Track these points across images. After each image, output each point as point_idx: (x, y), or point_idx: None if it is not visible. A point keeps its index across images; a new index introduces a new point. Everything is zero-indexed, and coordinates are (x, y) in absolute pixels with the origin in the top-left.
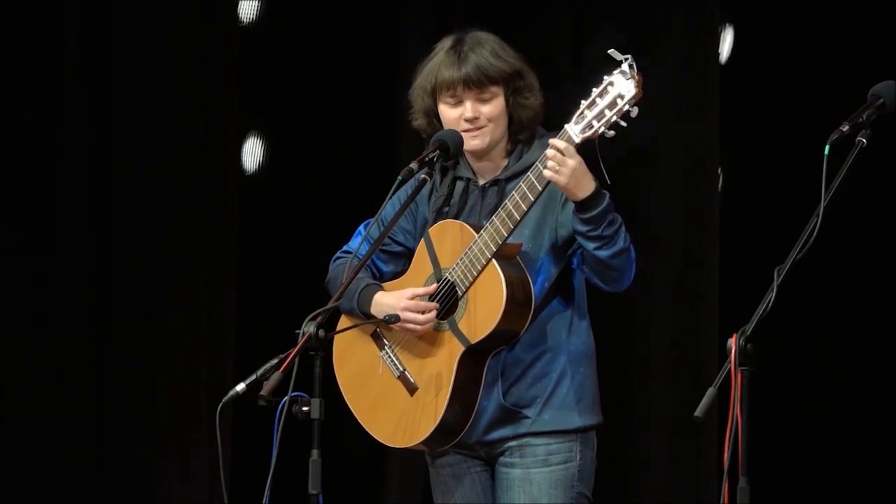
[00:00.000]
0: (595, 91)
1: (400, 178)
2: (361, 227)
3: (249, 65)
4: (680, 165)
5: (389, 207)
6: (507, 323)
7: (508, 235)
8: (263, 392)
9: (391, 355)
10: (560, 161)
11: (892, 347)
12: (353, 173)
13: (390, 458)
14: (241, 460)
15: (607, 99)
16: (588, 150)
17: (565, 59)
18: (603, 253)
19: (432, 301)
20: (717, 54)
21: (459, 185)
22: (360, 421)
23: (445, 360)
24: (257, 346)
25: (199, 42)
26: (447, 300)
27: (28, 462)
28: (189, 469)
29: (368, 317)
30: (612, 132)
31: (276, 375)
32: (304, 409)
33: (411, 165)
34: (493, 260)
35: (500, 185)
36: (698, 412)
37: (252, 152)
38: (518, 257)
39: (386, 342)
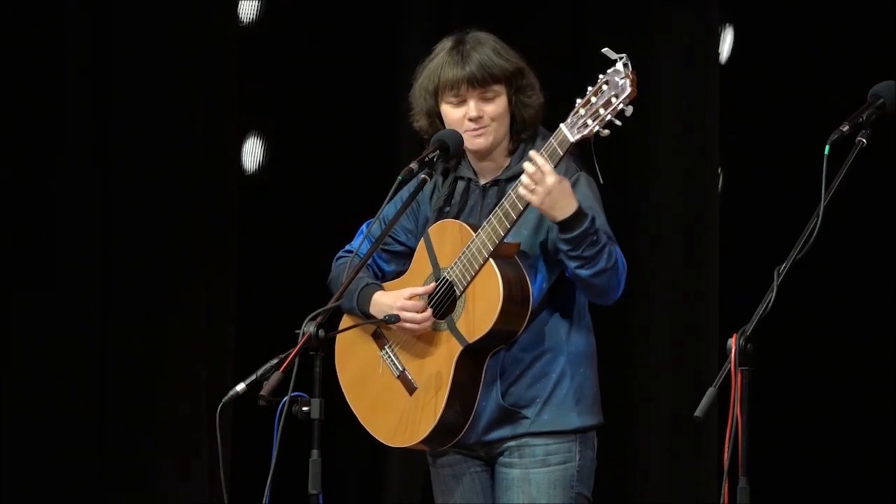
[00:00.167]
0: (590, 90)
1: (400, 178)
2: (364, 227)
3: (249, 65)
4: (680, 165)
5: (391, 207)
6: (504, 322)
7: (505, 235)
8: (263, 392)
9: (391, 355)
10: (538, 179)
11: (892, 347)
12: (353, 173)
13: (390, 458)
14: (241, 460)
15: (602, 98)
16: (583, 148)
17: (565, 59)
18: (583, 272)
19: (431, 300)
20: (717, 54)
21: (460, 185)
22: (360, 421)
23: (444, 360)
24: (257, 346)
25: (199, 42)
26: (446, 299)
27: (28, 462)
28: (189, 469)
29: (368, 316)
30: (606, 131)
31: (276, 375)
32: (304, 409)
33: (411, 165)
34: (491, 259)
35: (501, 185)
36: (698, 412)
37: (252, 152)
38: (517, 257)
39: (386, 342)
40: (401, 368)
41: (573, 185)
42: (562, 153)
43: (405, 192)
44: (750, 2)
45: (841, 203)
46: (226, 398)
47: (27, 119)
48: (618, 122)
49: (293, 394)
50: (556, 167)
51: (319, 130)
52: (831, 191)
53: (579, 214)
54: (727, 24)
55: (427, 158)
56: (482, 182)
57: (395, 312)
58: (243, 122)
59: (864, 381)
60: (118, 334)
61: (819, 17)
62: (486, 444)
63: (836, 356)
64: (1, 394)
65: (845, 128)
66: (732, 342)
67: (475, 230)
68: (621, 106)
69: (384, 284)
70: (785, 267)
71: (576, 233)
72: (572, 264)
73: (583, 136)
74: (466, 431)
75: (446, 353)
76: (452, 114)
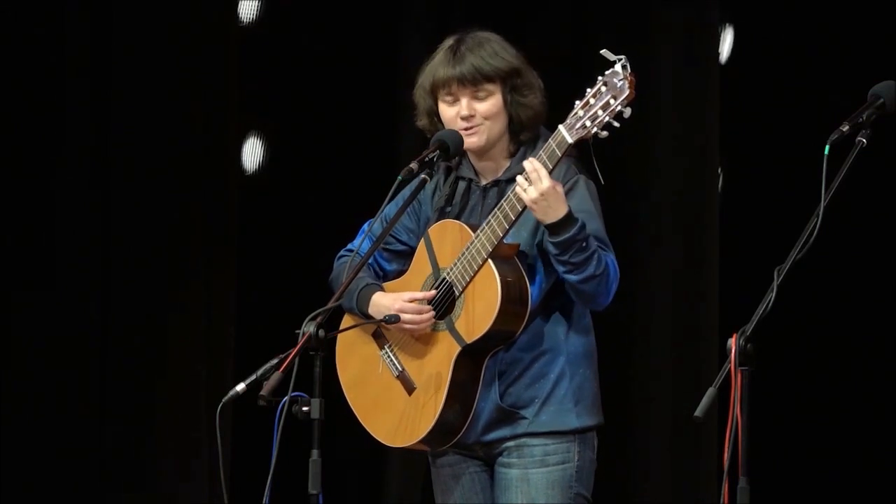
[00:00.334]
0: (589, 91)
1: (400, 178)
2: (365, 226)
3: (249, 65)
4: (680, 165)
5: (392, 206)
6: (502, 323)
7: (504, 235)
8: (263, 392)
9: (391, 355)
10: (535, 180)
11: (892, 347)
12: (353, 173)
13: (390, 458)
14: (241, 460)
15: (601, 100)
16: (582, 150)
17: (565, 59)
18: (571, 277)
19: (430, 301)
20: (717, 54)
21: (461, 185)
22: (360, 421)
23: (443, 360)
24: (257, 346)
25: (199, 42)
26: (445, 300)
27: (28, 462)
28: (189, 469)
29: (367, 317)
30: (605, 133)
31: (276, 375)
32: (304, 409)
33: (411, 165)
34: (490, 260)
35: (501, 186)
36: (698, 412)
37: (252, 152)
38: (516, 258)
39: (386, 342)
40: (400, 368)
41: (572, 188)
42: (560, 154)
43: (407, 192)
44: (750, 2)
45: (841, 203)
46: (226, 398)
47: (27, 119)
48: (616, 124)
49: (293, 394)
50: (554, 169)
51: (319, 130)
52: (831, 191)
53: (569, 219)
54: (727, 24)
55: (427, 158)
56: (483, 183)
57: (395, 313)
58: (243, 122)
59: (864, 381)
60: (118, 334)
61: (819, 17)
62: (485, 445)
63: (836, 356)
64: (1, 394)
65: (845, 128)
66: (732, 342)
67: (475, 231)
68: (620, 108)
69: (385, 284)
70: (785, 267)
71: (563, 237)
72: (560, 269)
73: (581, 138)
74: (465, 431)
75: (445, 354)
76: (447, 112)
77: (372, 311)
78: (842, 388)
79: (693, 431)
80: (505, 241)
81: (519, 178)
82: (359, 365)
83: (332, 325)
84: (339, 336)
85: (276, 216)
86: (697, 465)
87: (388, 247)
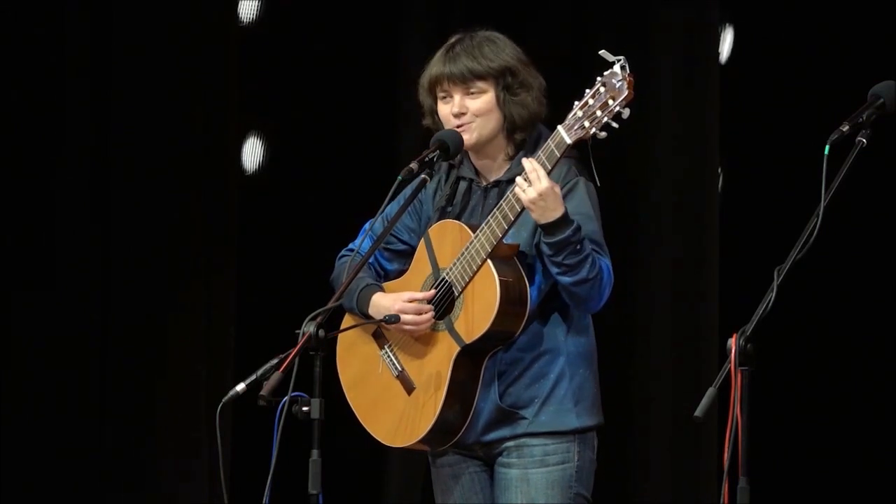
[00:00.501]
0: (588, 92)
1: (400, 178)
2: (366, 225)
3: (249, 65)
4: (680, 165)
5: (393, 206)
6: (501, 323)
7: (503, 236)
8: (263, 392)
9: (390, 355)
10: (534, 180)
11: (892, 347)
12: (353, 173)
13: (390, 458)
14: (241, 460)
15: (599, 100)
16: (581, 150)
17: (565, 59)
18: (564, 279)
19: (430, 301)
20: (717, 54)
21: (462, 185)
22: (360, 421)
23: (442, 360)
24: (257, 346)
25: (199, 42)
26: (445, 300)
27: (28, 462)
28: (189, 469)
29: (368, 317)
30: (604, 133)
31: (276, 375)
32: (304, 409)
33: (411, 165)
34: (489, 260)
35: (502, 187)
36: (698, 412)
37: (252, 152)
38: (515, 258)
39: (386, 342)
40: (400, 368)
41: (571, 190)
42: (559, 155)
43: (408, 191)
44: (750, 2)
45: (841, 203)
46: (226, 398)
47: (27, 119)
48: (615, 125)
49: (293, 394)
50: (553, 169)
51: (319, 130)
52: (831, 191)
53: (564, 220)
54: (727, 24)
55: (427, 158)
56: (483, 183)
57: (395, 314)
58: (243, 122)
59: (864, 381)
60: (118, 334)
61: (819, 17)
62: (484, 445)
63: (836, 356)
64: (1, 394)
65: (845, 128)
66: (732, 342)
67: (475, 231)
68: (618, 108)
69: (385, 284)
70: (785, 267)
71: (558, 238)
72: (554, 270)
73: (580, 138)
74: (465, 431)
75: (444, 354)
76: (442, 110)
77: (372, 311)
78: (842, 388)
79: (693, 431)
80: (504, 241)
81: (518, 179)
82: (359, 365)
83: (332, 324)
84: (340, 336)
85: (276, 216)
86: (697, 465)
87: (389, 246)
